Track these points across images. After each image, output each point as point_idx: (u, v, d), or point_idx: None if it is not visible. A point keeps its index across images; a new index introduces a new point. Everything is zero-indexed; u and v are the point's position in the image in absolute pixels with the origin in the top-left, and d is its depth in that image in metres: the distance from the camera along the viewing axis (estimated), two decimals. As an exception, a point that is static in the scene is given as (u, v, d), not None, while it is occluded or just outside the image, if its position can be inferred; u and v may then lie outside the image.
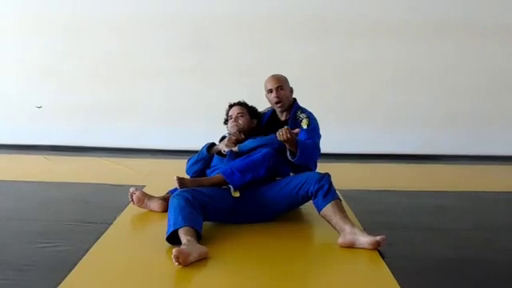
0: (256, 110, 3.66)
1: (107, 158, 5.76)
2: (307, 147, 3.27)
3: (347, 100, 6.42)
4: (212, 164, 3.48)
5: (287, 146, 3.20)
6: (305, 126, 3.42)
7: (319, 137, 3.49)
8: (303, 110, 3.56)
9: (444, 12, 6.34)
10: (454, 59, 6.43)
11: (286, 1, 6.42)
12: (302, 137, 3.32)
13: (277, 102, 3.52)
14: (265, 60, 6.31)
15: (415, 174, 5.52)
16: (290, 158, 3.24)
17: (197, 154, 3.56)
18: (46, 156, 5.87)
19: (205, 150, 3.51)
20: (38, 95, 6.55)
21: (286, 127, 3.15)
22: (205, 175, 3.45)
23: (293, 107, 3.56)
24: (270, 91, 3.53)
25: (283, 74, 3.62)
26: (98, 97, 6.49)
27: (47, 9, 6.47)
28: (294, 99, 3.62)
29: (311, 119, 3.47)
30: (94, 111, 6.50)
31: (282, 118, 3.60)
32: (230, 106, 3.64)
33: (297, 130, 3.23)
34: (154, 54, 6.47)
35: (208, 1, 6.43)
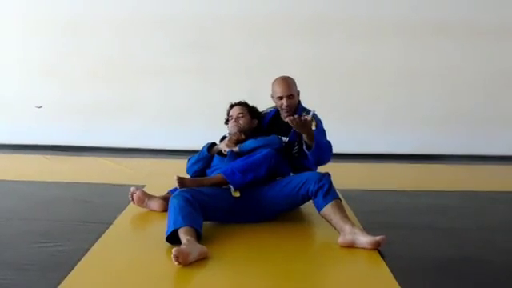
0: (257, 110, 3.66)
1: (107, 158, 5.76)
2: (323, 142, 3.27)
3: (347, 100, 6.42)
4: (212, 164, 3.48)
5: (304, 137, 3.18)
6: (313, 127, 3.37)
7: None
8: (308, 112, 3.53)
9: (444, 12, 6.34)
10: (454, 59, 6.43)
11: (287, 1, 6.42)
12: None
13: (285, 110, 3.50)
14: (265, 60, 6.32)
15: (415, 174, 5.52)
16: (305, 150, 3.23)
17: (197, 154, 3.56)
18: (46, 156, 5.87)
19: (205, 150, 3.51)
20: (39, 95, 6.54)
21: (296, 115, 3.11)
22: (205, 175, 3.45)
23: (297, 109, 3.55)
24: (280, 98, 3.50)
25: (290, 76, 3.57)
26: (98, 96, 6.49)
27: (48, 8, 6.46)
28: (298, 101, 3.61)
29: (317, 120, 3.44)
30: (95, 111, 6.50)
31: (286, 119, 3.57)
32: (231, 106, 3.64)
33: (309, 118, 3.12)
34: (154, 53, 6.47)
35: (209, 1, 6.43)
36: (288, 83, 3.52)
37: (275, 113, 3.64)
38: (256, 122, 3.61)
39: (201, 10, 6.37)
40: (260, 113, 3.67)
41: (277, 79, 3.55)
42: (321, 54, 6.39)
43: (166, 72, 6.43)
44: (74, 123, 6.49)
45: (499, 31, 6.33)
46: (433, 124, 6.43)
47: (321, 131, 3.41)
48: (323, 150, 3.28)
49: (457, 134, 6.42)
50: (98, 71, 6.49)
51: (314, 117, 3.33)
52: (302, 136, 3.27)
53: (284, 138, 3.51)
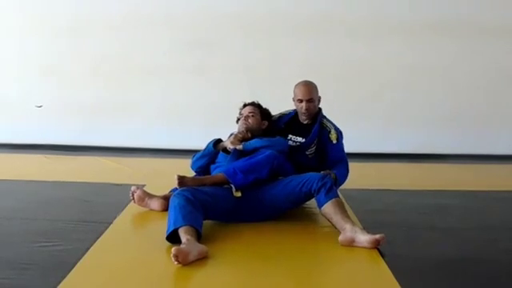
0: (268, 112, 3.69)
1: (107, 158, 5.75)
2: (342, 177, 3.50)
3: (348, 99, 6.41)
4: (217, 160, 3.51)
5: None
6: (334, 141, 3.54)
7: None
8: (328, 120, 3.64)
9: (444, 11, 6.33)
10: (455, 58, 6.42)
11: (287, 0, 6.41)
12: (332, 151, 3.52)
13: (305, 114, 3.58)
14: (266, 59, 6.32)
15: (416, 173, 5.51)
16: None
17: (203, 149, 3.57)
18: (46, 155, 5.86)
19: (211, 146, 3.53)
20: (38, 94, 6.54)
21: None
22: (209, 170, 3.48)
23: (317, 115, 3.63)
24: (300, 101, 3.57)
25: (311, 81, 3.64)
26: (98, 96, 6.48)
27: (47, 8, 6.46)
28: (319, 108, 3.67)
29: (339, 133, 3.59)
30: (95, 110, 6.49)
31: (305, 121, 3.64)
32: (244, 105, 3.67)
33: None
34: (154, 53, 6.47)
35: (209, 0, 6.42)
36: (309, 87, 3.59)
37: (294, 114, 3.70)
38: (266, 123, 3.64)
39: (201, 9, 6.37)
40: (271, 115, 3.71)
41: (299, 82, 3.64)
42: (321, 54, 6.39)
43: (166, 71, 6.43)
44: (73, 123, 6.49)
45: (500, 30, 6.32)
46: (433, 123, 6.42)
47: (341, 144, 3.61)
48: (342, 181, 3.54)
49: (457, 133, 6.42)
50: (98, 71, 6.48)
51: (336, 131, 3.55)
52: (319, 139, 3.49)
53: (299, 139, 3.57)
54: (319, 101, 3.65)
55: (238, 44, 6.45)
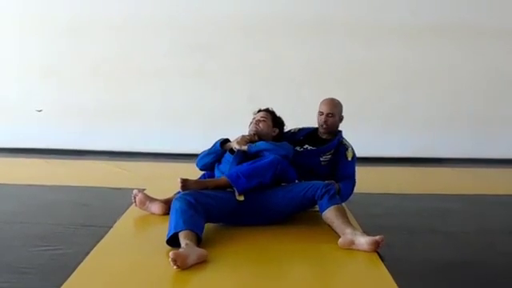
0: (281, 120, 3.73)
1: (107, 162, 5.76)
2: (346, 193, 3.54)
3: (347, 102, 6.32)
4: (223, 160, 3.52)
5: None
6: (349, 158, 3.63)
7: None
8: (346, 141, 3.72)
9: (444, 14, 6.34)
10: (455, 61, 6.43)
11: (288, 2, 6.42)
12: (344, 167, 3.59)
13: (323, 126, 3.66)
14: (266, 61, 6.32)
15: (416, 177, 5.52)
16: None
17: (210, 147, 3.59)
18: (46, 159, 5.86)
19: (218, 144, 3.54)
20: (38, 98, 6.54)
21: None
22: (213, 169, 3.51)
23: (337, 134, 3.72)
24: (321, 113, 3.67)
25: (338, 100, 3.75)
26: (98, 100, 6.48)
27: (48, 10, 6.46)
28: (339, 130, 3.76)
29: (354, 154, 3.68)
30: (95, 114, 6.49)
31: (324, 136, 3.73)
32: (259, 111, 3.72)
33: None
34: (154, 56, 6.47)
35: (209, 2, 6.43)
36: (332, 103, 3.71)
37: (314, 130, 3.78)
38: (277, 130, 3.68)
39: (201, 11, 6.37)
40: (283, 124, 3.75)
41: (325, 98, 3.74)
42: (321, 56, 6.39)
43: (166, 75, 6.44)
44: (73, 127, 6.48)
45: (500, 32, 6.33)
46: (434, 127, 6.43)
47: (354, 164, 3.67)
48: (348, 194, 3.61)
49: (458, 136, 6.42)
50: (98, 71, 6.48)
51: (353, 151, 3.65)
52: (336, 151, 3.61)
53: (315, 149, 3.64)
54: (341, 120, 3.73)
55: (239, 46, 6.45)
